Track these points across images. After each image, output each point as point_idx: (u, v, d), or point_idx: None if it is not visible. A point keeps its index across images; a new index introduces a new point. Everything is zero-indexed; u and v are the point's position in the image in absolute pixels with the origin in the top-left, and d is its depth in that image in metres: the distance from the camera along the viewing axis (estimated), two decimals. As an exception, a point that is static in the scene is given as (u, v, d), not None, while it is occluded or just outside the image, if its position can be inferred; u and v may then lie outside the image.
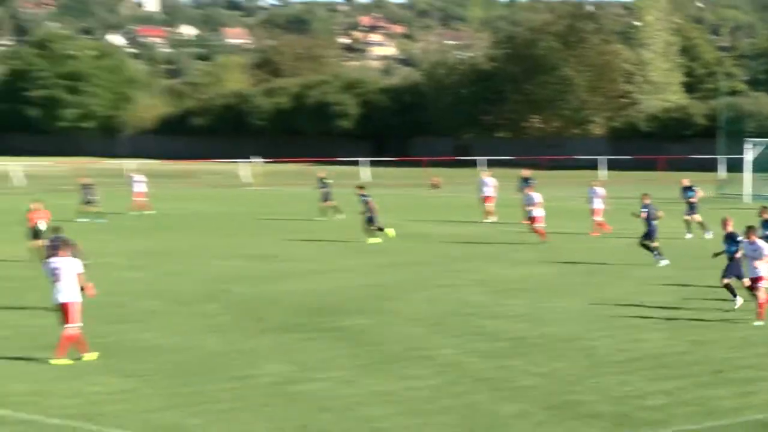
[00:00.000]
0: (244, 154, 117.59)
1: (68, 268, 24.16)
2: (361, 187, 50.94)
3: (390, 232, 48.56)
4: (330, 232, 51.47)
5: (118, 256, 43.06)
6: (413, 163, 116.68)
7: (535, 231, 47.28)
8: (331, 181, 60.87)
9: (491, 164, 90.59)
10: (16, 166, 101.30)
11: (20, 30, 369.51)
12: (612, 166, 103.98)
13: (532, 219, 47.57)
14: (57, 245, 30.00)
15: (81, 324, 24.05)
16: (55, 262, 24.51)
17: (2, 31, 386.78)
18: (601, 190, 51.07)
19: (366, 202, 48.84)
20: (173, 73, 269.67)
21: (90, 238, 48.44)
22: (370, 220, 48.49)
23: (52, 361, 23.32)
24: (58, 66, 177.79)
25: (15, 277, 36.09)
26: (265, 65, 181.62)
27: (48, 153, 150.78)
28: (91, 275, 36.59)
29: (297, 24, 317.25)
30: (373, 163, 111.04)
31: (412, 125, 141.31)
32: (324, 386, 21.70)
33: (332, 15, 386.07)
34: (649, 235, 40.33)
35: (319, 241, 48.11)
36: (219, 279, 36.72)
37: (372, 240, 47.61)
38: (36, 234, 40.12)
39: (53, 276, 24.32)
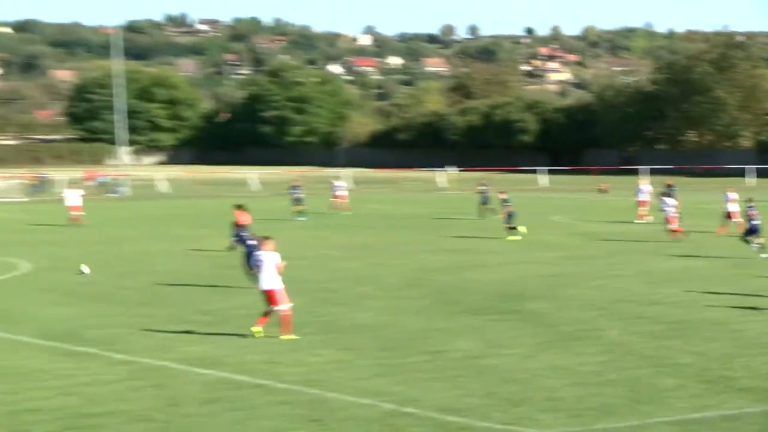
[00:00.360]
0: (441, 164, 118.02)
1: (269, 259, 24.32)
2: (502, 192, 50.70)
3: (522, 229, 48.02)
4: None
5: (334, 249, 43.48)
6: (584, 171, 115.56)
7: (671, 231, 46.25)
8: (486, 187, 60.47)
9: (652, 173, 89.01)
10: (253, 174, 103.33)
11: (257, 61, 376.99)
12: (760, 174, 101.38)
13: (667, 219, 46.65)
14: (242, 239, 31.13)
15: (291, 304, 24.24)
16: (260, 254, 24.69)
17: (243, 62, 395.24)
18: (733, 195, 49.56)
19: (507, 205, 48.60)
20: (382, 96, 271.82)
21: (307, 234, 49.22)
22: (508, 219, 48.27)
23: (282, 337, 23.59)
24: (287, 91, 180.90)
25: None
26: (459, 89, 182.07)
27: (278, 163, 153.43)
28: (313, 265, 37.16)
29: (486, 54, 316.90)
30: (550, 172, 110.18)
31: (583, 139, 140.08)
32: (508, 360, 21.50)
33: (516, 46, 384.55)
34: (750, 231, 39.57)
35: (501, 237, 47.72)
36: (419, 269, 36.77)
37: (511, 237, 47.11)
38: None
39: (257, 267, 24.54)
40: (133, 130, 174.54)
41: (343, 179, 69.32)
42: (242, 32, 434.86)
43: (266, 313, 24.12)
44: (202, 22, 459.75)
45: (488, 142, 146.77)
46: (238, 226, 37.39)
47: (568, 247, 44.00)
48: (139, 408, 17.48)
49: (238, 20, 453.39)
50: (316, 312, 27.28)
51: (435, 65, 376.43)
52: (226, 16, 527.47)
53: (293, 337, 23.62)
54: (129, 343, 23.03)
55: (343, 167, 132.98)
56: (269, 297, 24.04)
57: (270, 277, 24.10)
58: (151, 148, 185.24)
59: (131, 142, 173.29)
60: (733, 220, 48.49)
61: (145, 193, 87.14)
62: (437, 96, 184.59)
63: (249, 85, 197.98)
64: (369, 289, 31.91)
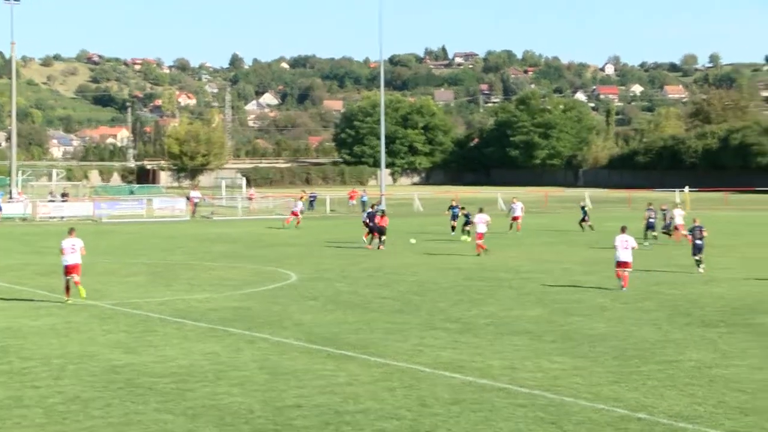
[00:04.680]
0: (677, 185, 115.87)
1: None
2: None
3: None
4: (752, 248, 49.35)
5: (573, 264, 42.94)
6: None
7: None
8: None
9: None
10: (498, 194, 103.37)
11: (507, 90, 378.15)
12: None
13: None
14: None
15: None
16: None
17: (495, 91, 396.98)
18: None
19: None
20: (622, 122, 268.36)
21: (547, 250, 48.74)
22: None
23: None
24: (534, 117, 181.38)
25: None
26: (698, 114, 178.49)
27: (525, 184, 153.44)
28: (555, 278, 36.85)
29: (726, 81, 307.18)
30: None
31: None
32: (739, 371, 20.68)
33: (756, 74, 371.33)
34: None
35: (734, 255, 46.01)
36: (654, 282, 35.96)
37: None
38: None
39: None
40: (392, 153, 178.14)
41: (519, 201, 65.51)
42: (495, 64, 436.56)
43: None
44: (459, 55, 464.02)
45: (723, 164, 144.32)
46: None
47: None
48: (391, 407, 17.68)
49: (492, 53, 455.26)
50: (556, 321, 27.05)
51: (675, 92, 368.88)
52: (481, 49, 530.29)
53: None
54: (384, 347, 23.33)
55: (583, 188, 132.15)
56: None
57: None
58: (408, 170, 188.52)
59: (390, 165, 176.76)
60: None
61: (401, 211, 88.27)
62: (676, 121, 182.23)
63: (499, 112, 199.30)
64: (606, 301, 31.36)
